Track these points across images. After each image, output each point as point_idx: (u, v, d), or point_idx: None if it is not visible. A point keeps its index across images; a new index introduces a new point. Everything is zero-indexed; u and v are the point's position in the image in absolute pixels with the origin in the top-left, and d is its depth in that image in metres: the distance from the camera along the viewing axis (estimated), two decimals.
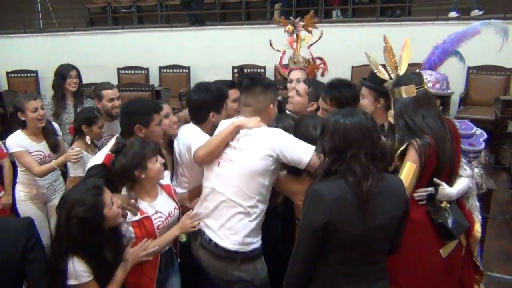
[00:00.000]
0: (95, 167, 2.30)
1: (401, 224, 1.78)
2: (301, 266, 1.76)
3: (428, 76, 2.44)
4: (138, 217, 2.14)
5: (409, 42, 2.37)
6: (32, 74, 7.57)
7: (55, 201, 3.24)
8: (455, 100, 5.80)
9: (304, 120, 2.30)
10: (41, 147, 3.12)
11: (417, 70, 2.34)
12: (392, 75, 2.29)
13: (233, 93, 2.66)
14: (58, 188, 3.30)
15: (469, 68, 5.91)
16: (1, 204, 3.34)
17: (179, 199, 2.46)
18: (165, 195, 2.33)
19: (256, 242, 2.15)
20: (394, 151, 2.14)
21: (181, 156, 2.54)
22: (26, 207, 3.23)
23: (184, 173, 2.56)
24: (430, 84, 2.38)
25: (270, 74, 6.82)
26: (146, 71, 7.30)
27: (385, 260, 1.82)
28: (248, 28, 7.09)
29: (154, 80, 7.20)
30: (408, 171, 2.05)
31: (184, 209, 2.41)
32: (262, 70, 6.87)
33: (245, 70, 6.65)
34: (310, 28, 3.37)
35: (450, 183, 2.16)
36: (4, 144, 3.27)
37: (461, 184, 2.21)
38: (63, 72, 3.70)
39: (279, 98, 3.10)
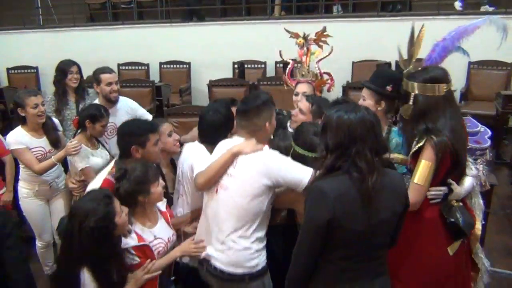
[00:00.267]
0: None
1: (401, 218, 1.78)
2: (303, 263, 1.76)
3: None
4: (137, 243, 2.15)
5: (424, 31, 2.32)
6: (32, 70, 7.55)
7: (58, 198, 3.28)
8: (456, 95, 5.79)
9: (304, 127, 2.28)
10: (42, 143, 3.11)
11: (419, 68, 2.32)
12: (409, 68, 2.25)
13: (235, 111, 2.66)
14: (61, 185, 3.30)
15: (470, 63, 5.90)
16: (2, 201, 3.35)
17: (181, 221, 2.50)
18: (163, 221, 2.35)
19: (261, 262, 2.16)
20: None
21: (184, 176, 2.53)
22: (29, 204, 3.23)
23: (186, 192, 2.57)
24: None
25: (270, 70, 6.83)
26: (146, 67, 7.29)
27: (386, 255, 1.82)
28: (248, 24, 7.06)
29: (154, 76, 7.19)
30: (424, 170, 2.03)
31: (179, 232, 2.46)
32: (263, 66, 6.87)
33: (246, 66, 6.67)
34: (321, 43, 3.36)
35: (458, 182, 2.16)
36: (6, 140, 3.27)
37: (467, 183, 2.22)
38: (64, 68, 3.69)
39: (285, 112, 3.10)
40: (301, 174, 2.03)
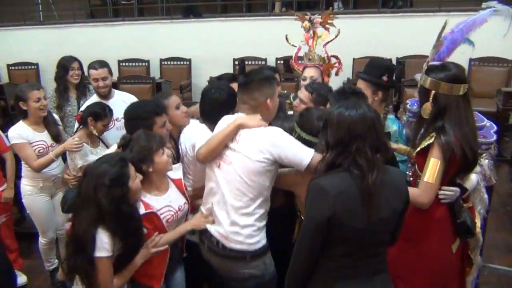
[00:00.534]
0: None
1: (401, 216, 1.78)
2: (304, 260, 1.76)
3: None
4: (144, 212, 2.15)
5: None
6: (32, 67, 7.55)
7: (60, 194, 3.27)
8: None
9: (309, 112, 2.27)
10: (43, 137, 3.12)
11: (424, 65, 2.31)
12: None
13: (235, 87, 2.65)
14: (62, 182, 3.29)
15: (471, 59, 5.90)
16: (3, 197, 3.35)
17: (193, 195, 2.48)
18: (175, 189, 2.34)
19: (262, 239, 2.16)
20: (416, 145, 2.11)
21: (186, 154, 2.53)
22: (34, 201, 3.23)
23: (189, 170, 2.56)
24: None
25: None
26: (147, 64, 7.28)
27: (386, 252, 1.82)
28: (249, 20, 7.06)
29: (155, 72, 7.18)
30: (433, 168, 2.02)
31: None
32: (263, 63, 6.84)
33: (246, 62, 6.67)
34: (327, 26, 3.34)
35: (463, 179, 2.17)
36: (7, 137, 3.27)
37: (472, 180, 2.23)
38: (65, 64, 3.70)
39: (284, 92, 3.08)
40: (303, 153, 2.03)
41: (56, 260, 3.46)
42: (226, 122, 2.22)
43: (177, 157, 2.58)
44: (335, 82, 3.33)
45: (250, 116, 2.15)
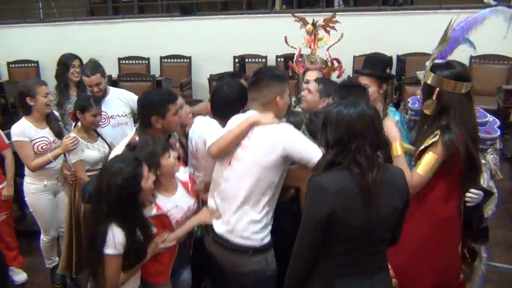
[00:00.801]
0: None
1: (402, 215, 1.78)
2: (303, 259, 1.76)
3: None
4: (155, 213, 2.19)
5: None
6: (33, 65, 7.54)
7: (64, 191, 3.28)
8: None
9: (318, 118, 2.26)
10: (46, 133, 3.12)
11: (428, 63, 2.31)
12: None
13: None
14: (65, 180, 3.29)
15: (471, 57, 5.87)
16: (2, 195, 3.35)
17: (198, 189, 2.49)
18: (183, 190, 2.37)
19: (266, 236, 2.17)
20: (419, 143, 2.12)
21: (197, 149, 2.54)
22: (38, 199, 3.22)
23: (198, 166, 2.57)
24: None
25: (271, 64, 6.79)
26: (147, 61, 7.28)
27: (386, 250, 1.82)
28: (249, 18, 7.05)
29: (155, 70, 7.18)
30: (429, 162, 2.04)
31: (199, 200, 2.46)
32: (263, 60, 6.85)
33: (246, 60, 6.66)
34: (328, 29, 3.35)
35: (476, 179, 2.17)
36: (6, 134, 3.27)
37: (485, 179, 2.23)
38: (65, 62, 3.69)
39: (293, 98, 3.12)
40: (312, 152, 2.05)
41: (57, 258, 3.45)
42: (237, 121, 2.24)
43: (185, 155, 2.61)
44: None
45: (264, 114, 2.18)
